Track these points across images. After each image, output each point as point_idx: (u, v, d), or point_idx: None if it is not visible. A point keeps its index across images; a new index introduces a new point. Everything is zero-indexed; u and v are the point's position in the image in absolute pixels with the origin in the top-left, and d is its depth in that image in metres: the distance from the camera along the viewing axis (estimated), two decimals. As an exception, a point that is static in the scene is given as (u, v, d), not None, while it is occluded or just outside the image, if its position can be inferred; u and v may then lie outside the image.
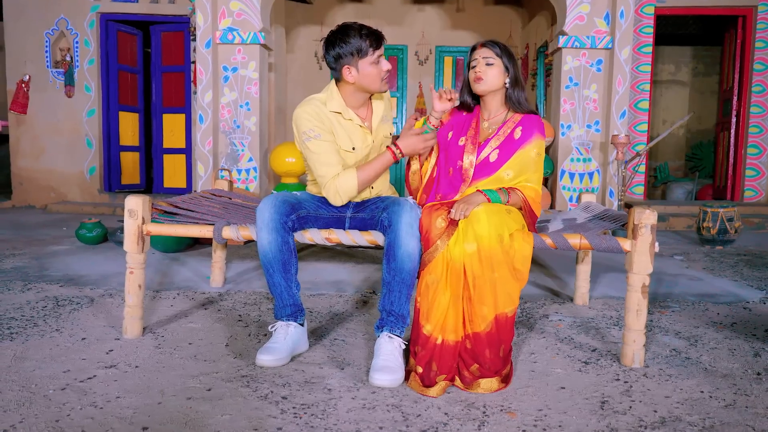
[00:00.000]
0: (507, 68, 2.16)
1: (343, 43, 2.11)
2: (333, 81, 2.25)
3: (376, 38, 2.13)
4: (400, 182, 7.86)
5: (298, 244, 2.20)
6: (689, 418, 1.68)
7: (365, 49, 2.11)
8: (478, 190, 2.07)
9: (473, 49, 2.20)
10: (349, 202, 2.27)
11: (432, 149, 2.23)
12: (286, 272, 2.08)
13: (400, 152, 2.14)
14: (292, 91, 7.70)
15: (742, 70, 6.42)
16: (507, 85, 2.18)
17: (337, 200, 2.17)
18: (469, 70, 2.21)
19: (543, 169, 2.22)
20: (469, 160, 2.17)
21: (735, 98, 6.49)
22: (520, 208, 2.12)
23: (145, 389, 1.81)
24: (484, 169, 2.15)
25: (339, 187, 2.13)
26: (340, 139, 2.19)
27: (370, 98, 2.29)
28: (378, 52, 2.14)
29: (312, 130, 2.15)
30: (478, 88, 2.17)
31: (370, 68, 2.13)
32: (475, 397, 1.81)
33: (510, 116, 2.20)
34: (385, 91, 2.27)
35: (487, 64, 2.14)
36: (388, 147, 2.16)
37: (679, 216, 5.78)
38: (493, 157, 2.15)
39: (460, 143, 2.21)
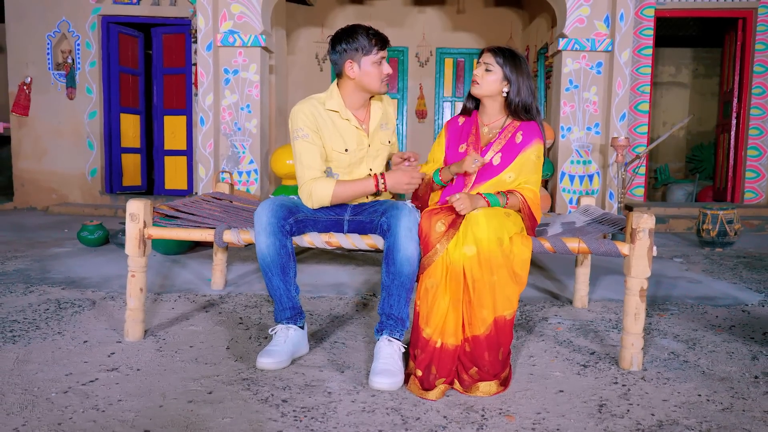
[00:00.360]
0: (507, 78, 2.15)
1: (351, 39, 2.15)
2: (335, 82, 2.27)
3: (381, 40, 2.18)
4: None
5: (298, 246, 2.21)
6: (686, 422, 1.69)
7: (370, 48, 2.15)
8: (478, 194, 2.08)
9: (482, 51, 2.23)
10: (347, 205, 2.28)
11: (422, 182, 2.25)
12: (284, 276, 2.09)
13: (384, 184, 2.16)
14: (293, 93, 7.72)
15: (743, 72, 6.43)
16: (505, 94, 2.18)
17: (308, 203, 2.19)
18: None
19: (542, 172, 2.25)
20: None
21: (735, 100, 6.49)
22: (519, 210, 2.14)
23: (147, 392, 1.82)
24: (486, 172, 2.17)
25: (313, 190, 2.15)
26: (333, 139, 2.20)
27: (369, 101, 2.31)
28: (382, 54, 2.17)
29: (302, 129, 2.18)
30: (473, 90, 2.21)
31: (371, 67, 2.16)
32: (474, 401, 1.83)
33: (509, 121, 2.22)
34: (384, 93, 2.29)
35: (487, 70, 2.16)
36: (375, 175, 2.18)
37: (679, 218, 5.79)
38: (496, 161, 2.17)
39: (461, 150, 2.23)
